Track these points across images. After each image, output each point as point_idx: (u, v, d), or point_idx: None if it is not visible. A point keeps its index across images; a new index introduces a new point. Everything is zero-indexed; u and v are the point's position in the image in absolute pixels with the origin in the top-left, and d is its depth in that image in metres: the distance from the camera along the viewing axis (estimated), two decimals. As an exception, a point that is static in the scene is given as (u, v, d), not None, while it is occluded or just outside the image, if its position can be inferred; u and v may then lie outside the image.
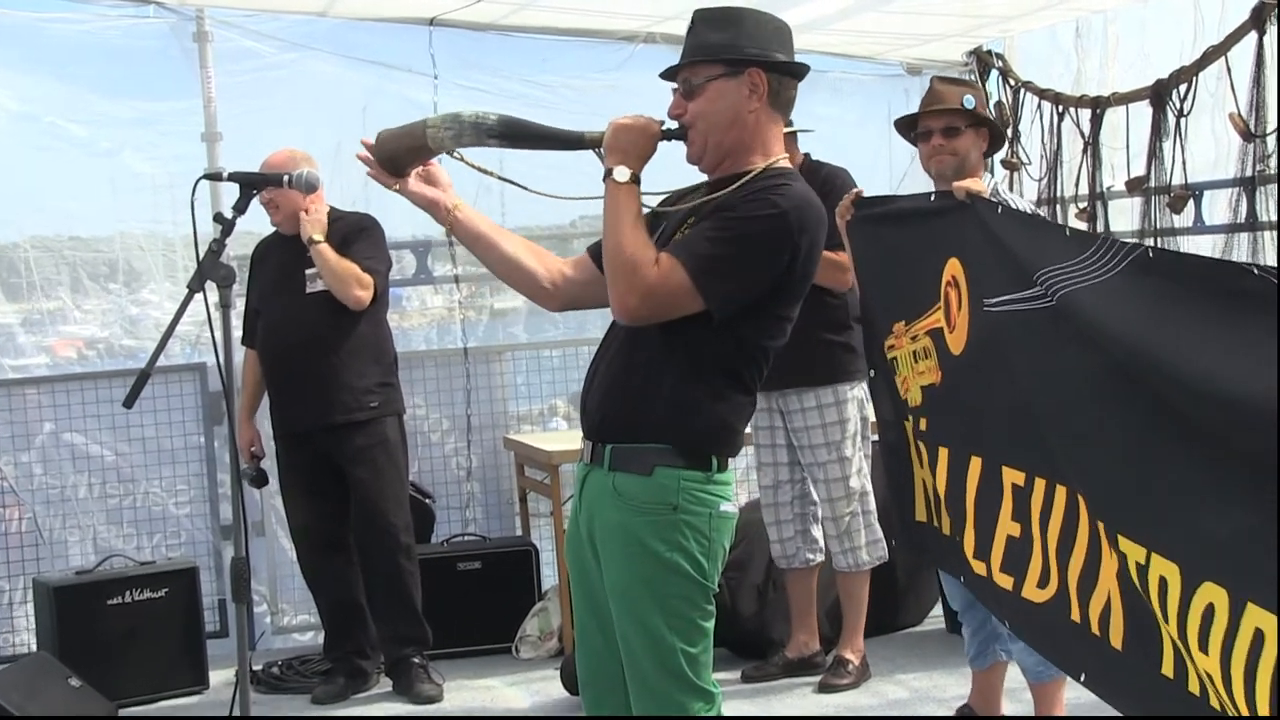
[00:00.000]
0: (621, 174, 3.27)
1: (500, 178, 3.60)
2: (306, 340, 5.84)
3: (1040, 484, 3.72)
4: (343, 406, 5.86)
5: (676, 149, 3.44)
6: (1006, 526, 3.94)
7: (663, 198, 3.53)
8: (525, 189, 3.61)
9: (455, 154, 3.44)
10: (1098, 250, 3.22)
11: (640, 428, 3.28)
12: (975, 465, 4.14)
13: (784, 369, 5.72)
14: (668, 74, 3.46)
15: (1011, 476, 3.90)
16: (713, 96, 3.35)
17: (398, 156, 3.44)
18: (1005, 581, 3.97)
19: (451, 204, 3.50)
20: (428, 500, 7.09)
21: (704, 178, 3.50)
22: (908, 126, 4.97)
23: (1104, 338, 3.17)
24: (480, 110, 3.42)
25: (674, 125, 3.40)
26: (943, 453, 4.38)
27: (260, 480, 6.08)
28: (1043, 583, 3.75)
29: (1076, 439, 3.40)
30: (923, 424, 4.54)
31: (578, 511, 3.44)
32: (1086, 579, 3.50)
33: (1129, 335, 3.06)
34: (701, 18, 3.42)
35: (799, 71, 3.46)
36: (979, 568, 4.13)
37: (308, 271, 5.86)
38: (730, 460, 3.37)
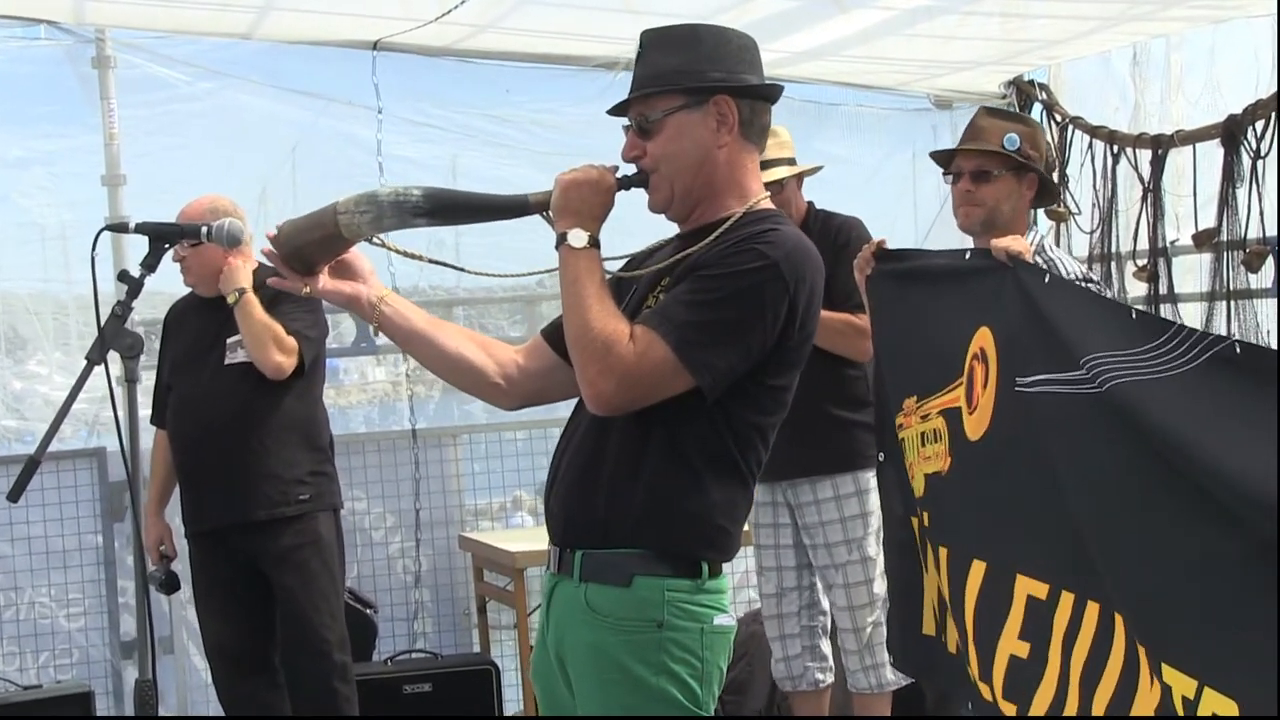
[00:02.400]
0: (577, 238, 3.23)
1: (430, 260, 3.57)
2: (225, 420, 5.80)
3: (1068, 599, 3.70)
4: (266, 500, 5.83)
5: (632, 198, 3.40)
6: (1011, 645, 3.93)
7: (625, 260, 3.50)
8: (462, 270, 3.60)
9: (375, 240, 3.40)
10: (1172, 339, 3.14)
11: (614, 530, 3.23)
12: (977, 571, 4.12)
13: (794, 455, 5.72)
14: (618, 109, 3.43)
15: (1029, 587, 3.87)
16: (674, 133, 3.32)
17: (306, 251, 3.38)
18: (1009, 709, 3.94)
19: (376, 297, 3.45)
20: (368, 611, 7.06)
21: (672, 230, 3.48)
22: (944, 161, 4.99)
23: (1164, 442, 3.12)
24: (399, 186, 3.38)
25: (631, 171, 3.37)
26: (942, 553, 4.36)
27: (171, 585, 6.04)
28: (1055, 710, 3.73)
29: (1118, 550, 3.37)
30: (925, 519, 4.54)
31: (545, 629, 3.39)
32: (1116, 711, 3.49)
33: (1197, 442, 3.00)
34: (653, 39, 3.38)
35: (772, 95, 3.43)
36: (985, 691, 4.12)
37: (229, 340, 5.82)
38: (724, 565, 3.32)
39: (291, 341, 5.71)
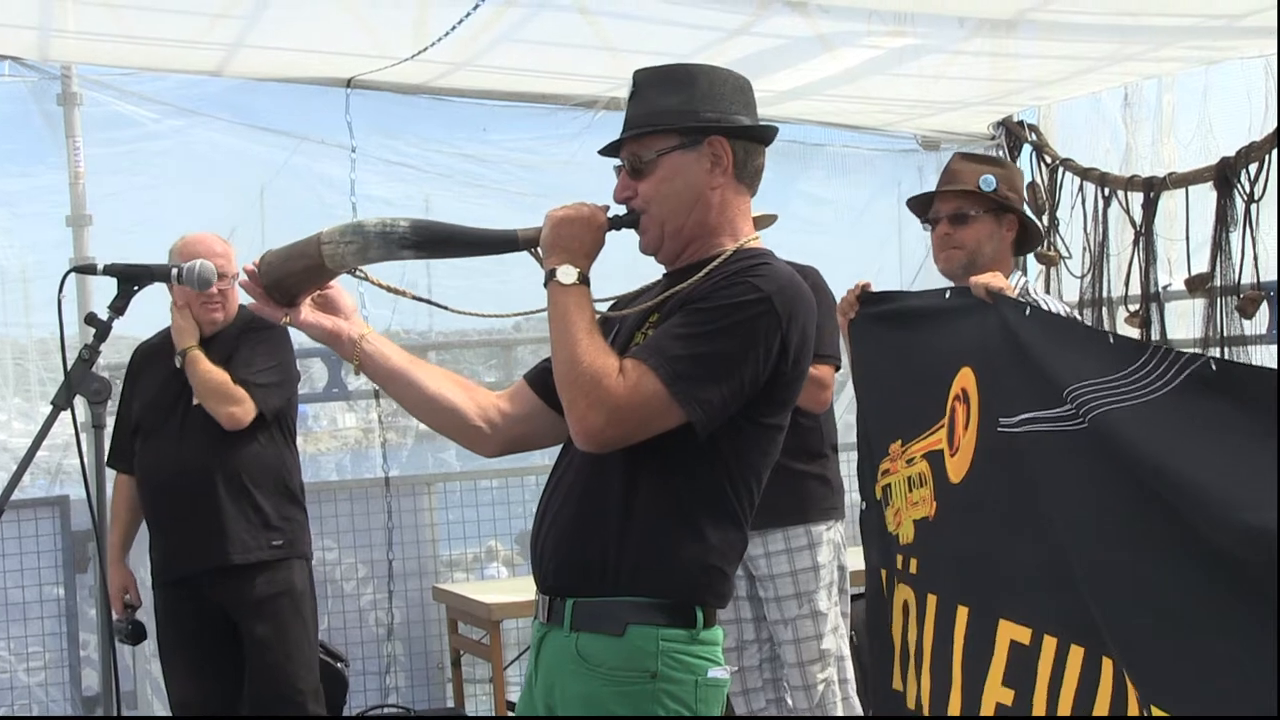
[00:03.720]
0: (567, 275, 3.25)
1: (416, 297, 3.61)
2: (199, 464, 5.79)
3: (1050, 643, 3.72)
4: (241, 544, 5.82)
5: (620, 242, 3.41)
6: (996, 693, 3.94)
7: (613, 300, 3.53)
8: (448, 309, 3.60)
9: (359, 272, 3.42)
10: (1149, 361, 3.21)
11: (608, 576, 3.23)
12: (962, 617, 4.14)
13: None
14: (609, 149, 3.45)
15: (1012, 633, 3.89)
16: (667, 174, 3.34)
17: (288, 281, 3.39)
18: None
19: (358, 334, 3.46)
20: (339, 664, 7.04)
21: (658, 273, 3.49)
22: (921, 208, 5.04)
23: (1145, 470, 3.15)
24: (386, 218, 3.38)
25: (622, 211, 3.39)
26: (931, 600, 4.38)
27: (136, 635, 6.00)
28: None
29: (1106, 591, 3.40)
30: (913, 565, 4.55)
31: (533, 680, 3.39)
32: None
33: (1178, 469, 3.04)
34: (646, 79, 3.41)
35: (767, 136, 3.47)
36: None
37: None
38: (718, 613, 3.32)
39: (240, 391, 5.74)
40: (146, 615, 6.08)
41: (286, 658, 5.87)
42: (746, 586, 5.90)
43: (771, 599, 5.83)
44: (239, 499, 5.83)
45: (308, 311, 3.45)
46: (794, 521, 5.77)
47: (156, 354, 6.05)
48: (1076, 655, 3.60)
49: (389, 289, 3.53)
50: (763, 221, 5.80)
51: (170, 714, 6.22)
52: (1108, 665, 3.49)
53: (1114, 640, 3.41)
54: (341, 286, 3.51)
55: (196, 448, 5.82)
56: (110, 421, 5.83)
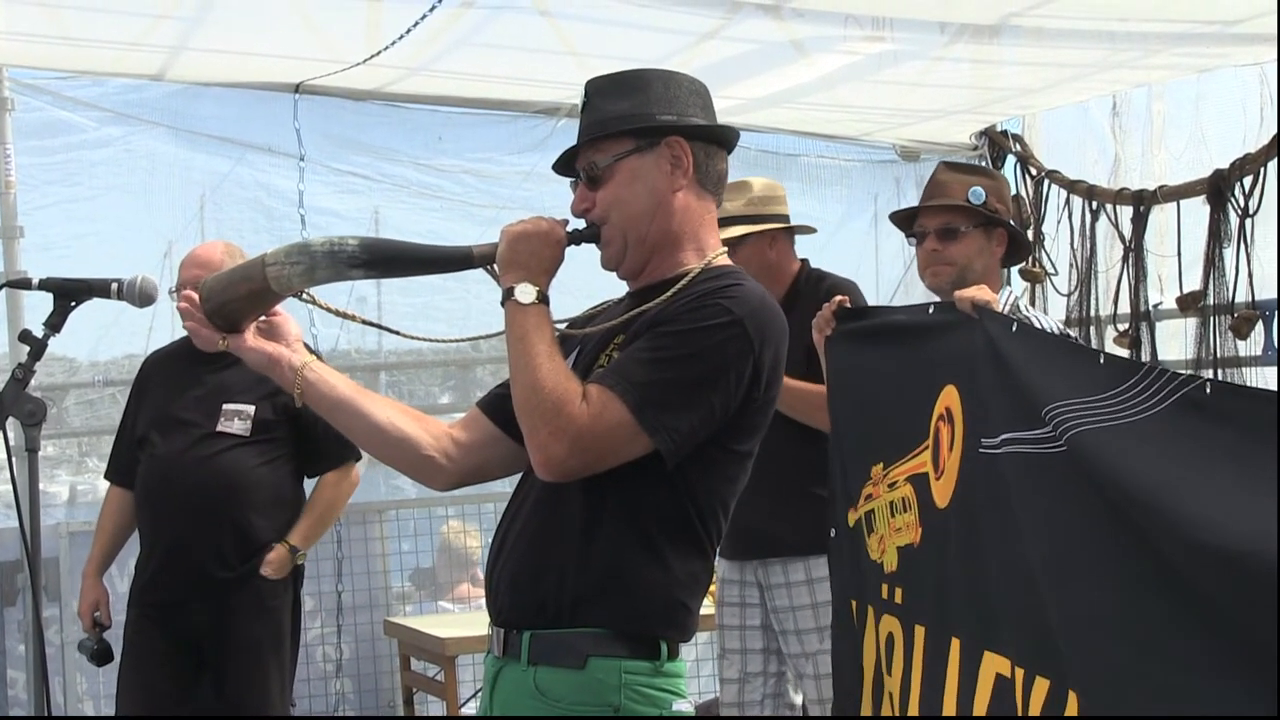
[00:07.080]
0: (525, 293, 3.24)
1: (365, 321, 3.63)
2: (212, 489, 5.78)
3: (1019, 674, 3.74)
4: (244, 577, 5.77)
5: (580, 256, 3.41)
6: None
7: (573, 318, 3.53)
8: (399, 334, 3.61)
9: (305, 295, 3.42)
10: (1139, 382, 3.19)
11: (565, 608, 3.23)
12: (955, 650, 4.15)
13: (766, 532, 5.68)
14: (562, 165, 3.46)
15: (997, 665, 3.90)
16: (625, 179, 3.34)
17: (231, 306, 3.39)
18: None
19: (299, 362, 3.44)
20: (284, 703, 7.04)
21: (621, 290, 3.51)
22: (905, 222, 5.05)
23: (1121, 494, 3.17)
24: (334, 237, 3.38)
25: (582, 225, 3.39)
26: (919, 632, 4.38)
27: (103, 656, 5.94)
28: None
29: (1079, 623, 3.40)
30: (899, 595, 4.55)
31: (488, 716, 3.38)
32: None
33: (1154, 493, 3.04)
34: (599, 87, 3.42)
35: (728, 139, 3.47)
36: None
37: (226, 406, 5.83)
38: (682, 646, 3.33)
39: None
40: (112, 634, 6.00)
41: (265, 702, 5.82)
42: (760, 615, 5.87)
43: (791, 631, 5.78)
44: (251, 530, 5.82)
45: (249, 337, 3.44)
46: (818, 551, 5.62)
47: (167, 364, 6.04)
48: (1041, 688, 3.61)
49: (337, 313, 3.54)
50: (801, 232, 5.84)
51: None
52: (1073, 699, 3.50)
53: (1076, 673, 3.43)
54: (288, 313, 3.51)
55: (213, 471, 5.80)
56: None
